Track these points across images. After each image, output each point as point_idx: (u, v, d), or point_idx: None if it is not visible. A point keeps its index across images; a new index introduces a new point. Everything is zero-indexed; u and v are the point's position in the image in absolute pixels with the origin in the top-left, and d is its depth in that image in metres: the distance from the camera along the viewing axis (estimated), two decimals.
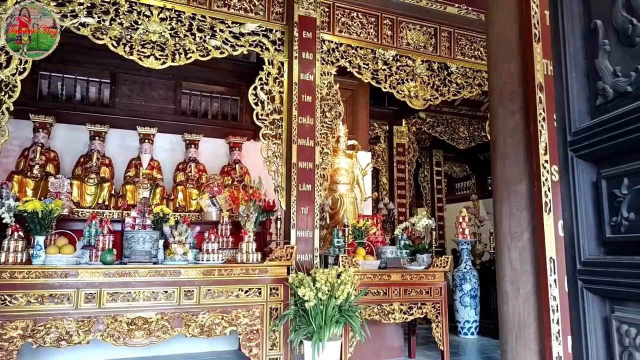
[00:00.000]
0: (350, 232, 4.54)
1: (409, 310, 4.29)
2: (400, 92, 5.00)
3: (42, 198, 4.33)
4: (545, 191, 1.88)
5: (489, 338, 5.96)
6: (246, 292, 3.78)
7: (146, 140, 5.76)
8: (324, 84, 4.59)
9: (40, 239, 3.42)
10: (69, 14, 3.78)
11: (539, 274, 1.94)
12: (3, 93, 3.58)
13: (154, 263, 3.62)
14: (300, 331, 3.60)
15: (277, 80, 4.45)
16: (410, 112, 7.79)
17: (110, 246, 3.62)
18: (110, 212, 5.02)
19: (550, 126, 1.80)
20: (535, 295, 1.95)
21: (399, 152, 8.17)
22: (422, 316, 4.37)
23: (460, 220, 6.07)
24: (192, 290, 3.61)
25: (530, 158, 1.94)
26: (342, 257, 4.11)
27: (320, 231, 4.38)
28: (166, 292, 3.54)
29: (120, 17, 3.94)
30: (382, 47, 4.93)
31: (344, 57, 4.76)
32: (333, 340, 3.58)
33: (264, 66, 4.44)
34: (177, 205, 5.50)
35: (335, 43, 4.73)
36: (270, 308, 3.82)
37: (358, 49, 4.84)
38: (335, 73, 4.72)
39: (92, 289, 3.34)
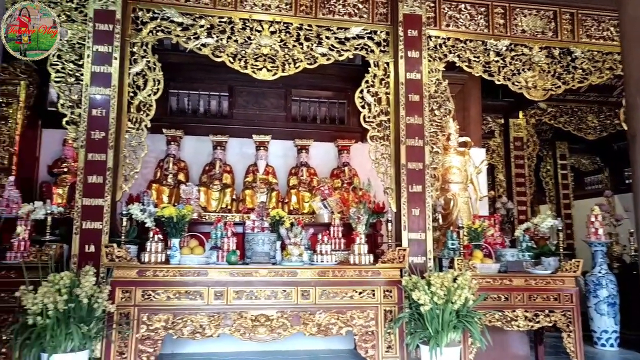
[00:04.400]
0: (465, 233, 4.35)
1: (534, 317, 3.98)
2: (516, 83, 4.66)
3: (176, 204, 4.83)
4: None
5: (634, 351, 5.28)
6: (360, 293, 3.82)
7: (261, 148, 6.12)
8: (432, 81, 4.46)
9: (176, 241, 3.82)
10: (192, 37, 4.18)
11: None
12: (142, 112, 4.08)
13: (273, 264, 3.84)
14: (416, 335, 3.54)
15: (383, 82, 4.43)
16: (527, 103, 7.21)
17: (234, 247, 3.90)
18: (232, 216, 5.43)
19: None
20: None
21: (516, 147, 7.63)
22: (550, 324, 4.03)
23: (593, 219, 5.46)
24: (308, 291, 3.75)
25: None
26: (457, 260, 3.95)
27: (433, 233, 4.26)
28: (285, 291, 3.72)
29: (235, 34, 4.25)
30: (493, 37, 4.64)
31: (452, 51, 4.57)
32: (451, 346, 3.46)
33: (369, 68, 4.45)
34: (291, 208, 5.76)
35: (443, 38, 4.57)
36: (385, 310, 3.82)
37: (467, 41, 4.61)
38: (444, 69, 4.55)
39: (220, 287, 3.65)
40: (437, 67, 4.50)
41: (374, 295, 3.84)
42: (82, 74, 3.89)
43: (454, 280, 3.56)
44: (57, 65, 3.90)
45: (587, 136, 7.88)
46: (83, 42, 3.92)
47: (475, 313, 3.61)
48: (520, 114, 7.73)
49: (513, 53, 4.68)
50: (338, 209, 5.16)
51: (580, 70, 4.78)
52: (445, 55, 4.55)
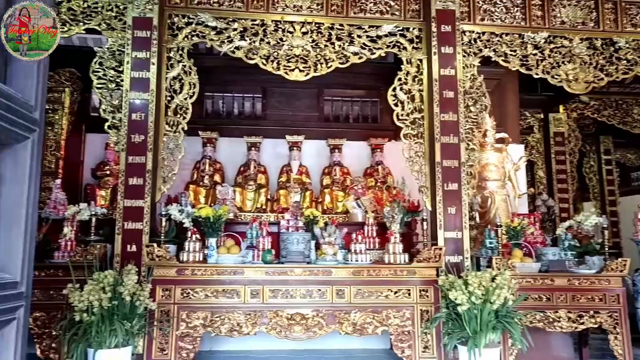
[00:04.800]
0: (503, 232, 4.24)
1: (578, 318, 3.84)
2: (555, 76, 4.50)
3: (212, 204, 4.93)
4: None
5: None
6: (395, 293, 3.79)
7: (295, 148, 6.16)
8: (467, 77, 4.37)
9: (212, 241, 3.91)
10: (226, 40, 4.26)
11: None
12: (179, 115, 4.19)
13: (308, 263, 3.86)
14: (453, 335, 3.49)
15: (416, 79, 4.38)
16: (568, 96, 6.95)
17: (269, 247, 3.95)
18: (267, 216, 5.50)
19: None
20: None
21: (557, 142, 7.37)
22: (595, 326, 3.88)
23: None
24: (343, 290, 3.75)
25: None
26: (496, 259, 3.86)
27: (469, 231, 4.17)
28: (319, 290, 3.74)
29: (268, 36, 4.29)
30: (531, 29, 4.50)
31: (488, 46, 4.46)
32: (490, 347, 3.38)
33: (402, 66, 4.41)
34: (325, 208, 5.77)
35: (477, 33, 4.46)
36: (421, 310, 3.78)
37: (503, 35, 4.49)
38: (479, 64, 4.45)
39: (256, 286, 3.70)
40: (472, 62, 4.41)
41: (409, 294, 3.80)
42: (122, 80, 4.03)
43: (493, 279, 3.48)
44: (99, 72, 4.07)
45: (633, 130, 7.53)
46: (123, 49, 4.06)
47: (516, 313, 3.52)
48: (561, 108, 7.46)
49: (552, 45, 4.52)
50: (372, 208, 5.14)
51: (625, 61, 4.57)
52: (481, 50, 4.45)
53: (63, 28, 4.09)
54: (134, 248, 3.77)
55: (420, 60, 4.38)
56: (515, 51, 4.49)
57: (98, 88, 4.06)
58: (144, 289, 3.38)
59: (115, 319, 3.19)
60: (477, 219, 4.82)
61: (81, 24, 4.11)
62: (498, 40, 4.48)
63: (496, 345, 3.46)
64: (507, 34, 4.50)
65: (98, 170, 5.71)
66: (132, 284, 3.30)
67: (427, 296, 3.81)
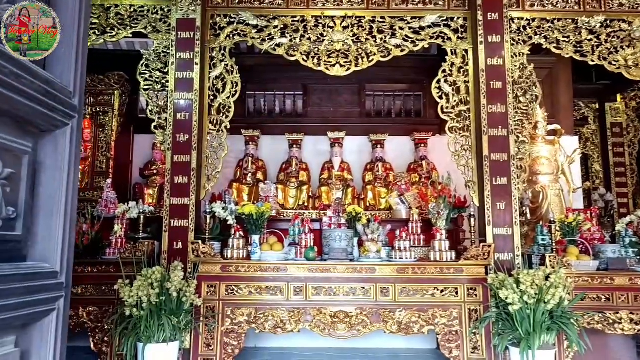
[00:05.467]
0: (557, 228, 4.02)
1: None
2: (613, 63, 4.22)
3: (255, 202, 4.97)
4: None
5: None
6: (442, 291, 3.68)
7: (336, 144, 6.12)
8: (516, 66, 4.17)
9: (256, 238, 3.93)
10: (266, 38, 4.27)
11: None
12: (222, 114, 4.23)
13: (350, 260, 3.81)
14: (504, 336, 3.34)
15: (461, 70, 4.22)
16: (627, 84, 6.52)
17: (312, 244, 3.93)
18: (309, 213, 5.48)
19: None
20: None
21: (614, 133, 6.92)
22: None
23: None
24: (388, 288, 3.68)
25: None
26: (549, 256, 3.66)
27: (520, 228, 3.98)
28: (363, 288, 3.69)
29: (308, 32, 4.27)
30: (585, 14, 4.23)
31: (538, 33, 4.24)
32: (545, 349, 3.21)
33: (446, 57, 4.26)
34: (368, 204, 5.69)
35: (527, 19, 4.25)
36: (469, 309, 3.65)
37: (555, 21, 4.25)
38: (529, 52, 4.24)
39: (299, 283, 3.69)
40: (521, 50, 4.20)
41: (457, 293, 3.68)
42: (167, 81, 4.12)
43: (546, 278, 3.30)
44: (145, 74, 4.18)
45: None
46: (167, 51, 4.15)
47: (572, 314, 3.33)
48: (619, 97, 7.00)
49: (609, 30, 4.24)
50: (416, 205, 5.01)
51: None
52: (530, 38, 4.23)
53: (112, 32, 4.24)
54: (180, 245, 3.84)
55: (466, 51, 4.22)
56: (568, 37, 4.24)
57: (145, 89, 4.17)
58: (189, 285, 3.44)
59: (163, 314, 3.26)
60: (528, 215, 4.60)
61: (128, 27, 4.24)
62: (549, 27, 4.24)
63: (551, 347, 3.29)
64: (559, 20, 4.25)
65: (146, 169, 5.89)
66: (179, 280, 3.36)
67: (476, 295, 3.67)
